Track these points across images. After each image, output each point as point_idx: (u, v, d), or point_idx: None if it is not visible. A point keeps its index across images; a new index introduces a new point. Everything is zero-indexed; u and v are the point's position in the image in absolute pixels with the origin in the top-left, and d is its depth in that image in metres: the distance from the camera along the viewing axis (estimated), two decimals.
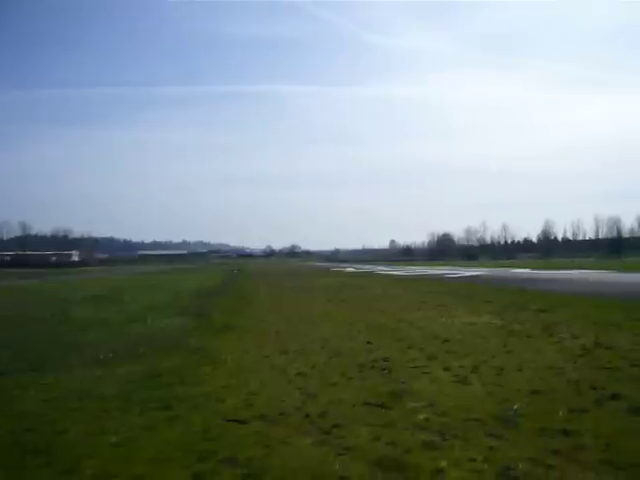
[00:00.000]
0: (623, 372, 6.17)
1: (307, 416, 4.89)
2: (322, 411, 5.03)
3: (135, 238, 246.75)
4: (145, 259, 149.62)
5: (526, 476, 3.47)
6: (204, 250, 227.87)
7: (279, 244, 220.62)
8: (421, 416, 4.76)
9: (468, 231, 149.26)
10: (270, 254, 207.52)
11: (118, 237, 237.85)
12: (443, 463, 3.70)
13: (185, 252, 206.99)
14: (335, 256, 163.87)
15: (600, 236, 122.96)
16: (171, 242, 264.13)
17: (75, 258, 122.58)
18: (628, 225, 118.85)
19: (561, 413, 4.70)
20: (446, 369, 6.60)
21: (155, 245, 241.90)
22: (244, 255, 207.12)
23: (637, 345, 7.72)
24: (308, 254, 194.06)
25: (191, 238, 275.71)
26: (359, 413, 4.96)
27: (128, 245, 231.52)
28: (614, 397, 5.15)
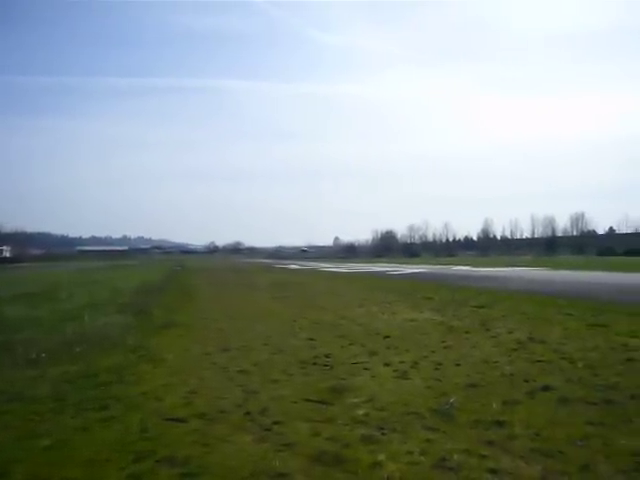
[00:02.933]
0: (554, 365, 6.44)
1: (248, 413, 4.86)
2: (263, 408, 5.00)
3: (72, 233, 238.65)
4: (83, 255, 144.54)
5: (460, 466, 3.57)
6: (146, 246, 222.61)
7: (223, 241, 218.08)
8: (361, 411, 4.82)
9: (411, 229, 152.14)
10: (213, 250, 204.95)
11: (55, 232, 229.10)
12: (381, 456, 3.76)
13: (126, 248, 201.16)
14: (279, 253, 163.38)
15: (536, 235, 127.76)
16: (110, 237, 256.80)
17: (6, 254, 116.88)
18: (562, 225, 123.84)
19: (495, 405, 4.86)
20: (387, 365, 6.71)
21: (94, 240, 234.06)
22: (187, 251, 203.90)
23: (567, 339, 8.08)
24: (252, 251, 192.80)
25: (132, 234, 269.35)
26: (300, 409, 4.97)
27: (65, 240, 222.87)
28: (545, 389, 5.37)
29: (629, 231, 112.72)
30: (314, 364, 6.92)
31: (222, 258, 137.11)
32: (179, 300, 17.08)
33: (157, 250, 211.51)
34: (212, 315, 12.56)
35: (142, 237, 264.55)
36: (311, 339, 8.78)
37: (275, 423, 4.57)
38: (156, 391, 5.74)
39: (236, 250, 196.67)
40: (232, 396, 5.47)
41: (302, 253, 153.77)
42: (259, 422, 4.62)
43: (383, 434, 4.24)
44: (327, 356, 7.36)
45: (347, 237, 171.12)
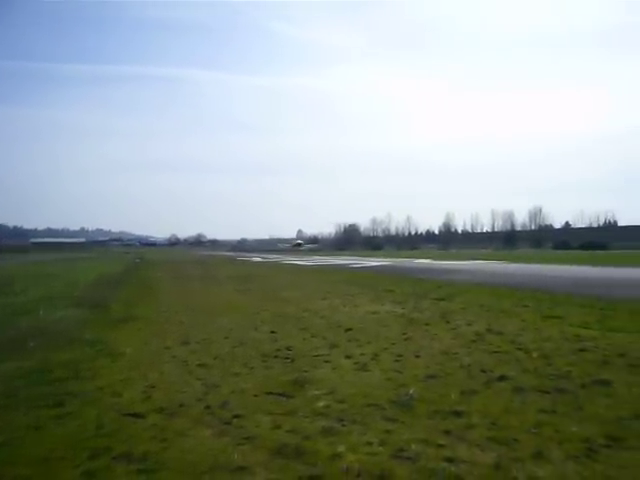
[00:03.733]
0: (510, 355, 6.60)
1: (207, 407, 4.82)
2: (223, 402, 4.97)
3: (27, 225, 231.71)
4: (38, 247, 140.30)
5: (418, 456, 3.63)
6: (104, 238, 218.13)
7: (185, 233, 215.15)
8: (321, 403, 4.84)
9: (374, 222, 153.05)
10: (175, 243, 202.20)
11: (8, 224, 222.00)
12: (341, 448, 3.79)
13: (83, 240, 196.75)
14: (242, 246, 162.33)
15: (496, 229, 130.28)
16: (68, 230, 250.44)
17: None
18: (520, 219, 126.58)
19: (453, 395, 4.95)
20: (348, 357, 6.75)
21: (50, 232, 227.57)
22: (147, 244, 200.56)
23: (523, 330, 8.29)
24: (214, 243, 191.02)
25: (90, 226, 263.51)
26: (261, 402, 4.96)
27: (19, 232, 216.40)
28: (501, 379, 5.50)
29: (584, 225, 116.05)
30: (276, 357, 6.91)
31: (184, 251, 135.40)
32: (138, 293, 16.79)
33: (116, 242, 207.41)
34: (173, 308, 12.40)
35: (101, 229, 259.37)
36: (273, 332, 8.76)
37: (235, 417, 4.55)
38: (114, 386, 5.64)
39: (198, 243, 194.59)
40: (192, 390, 5.42)
41: (265, 245, 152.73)
42: (219, 416, 4.59)
43: (343, 426, 4.27)
44: (289, 349, 7.36)
45: (310, 230, 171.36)
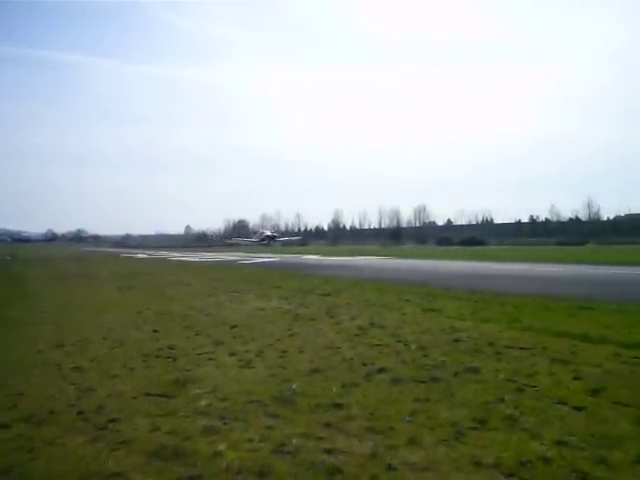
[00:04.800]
0: (390, 348, 6.87)
1: (81, 413, 4.55)
2: (99, 406, 4.73)
3: None
4: None
5: (298, 449, 3.67)
6: None
7: (63, 228, 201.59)
8: (203, 402, 4.76)
9: (263, 218, 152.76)
10: (52, 239, 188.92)
11: None
12: (221, 446, 3.75)
13: None
14: (126, 241, 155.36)
15: (383, 225, 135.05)
16: None
17: None
18: (406, 216, 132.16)
19: (335, 389, 5.07)
20: (232, 354, 6.69)
21: None
22: (20, 240, 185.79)
23: (404, 323, 8.68)
24: (97, 239, 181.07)
25: None
26: (139, 405, 4.77)
27: None
28: (381, 371, 5.72)
29: (464, 223, 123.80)
30: (157, 357, 6.69)
31: (63, 247, 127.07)
32: (9, 295, 15.55)
33: None
34: (48, 309, 11.60)
35: None
36: (156, 331, 8.48)
37: (111, 421, 4.35)
38: None
39: (79, 238, 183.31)
40: (64, 395, 5.10)
41: (151, 241, 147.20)
42: (93, 421, 4.36)
43: (225, 424, 4.22)
44: (171, 348, 7.16)
45: (199, 226, 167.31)
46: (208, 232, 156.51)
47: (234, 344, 7.31)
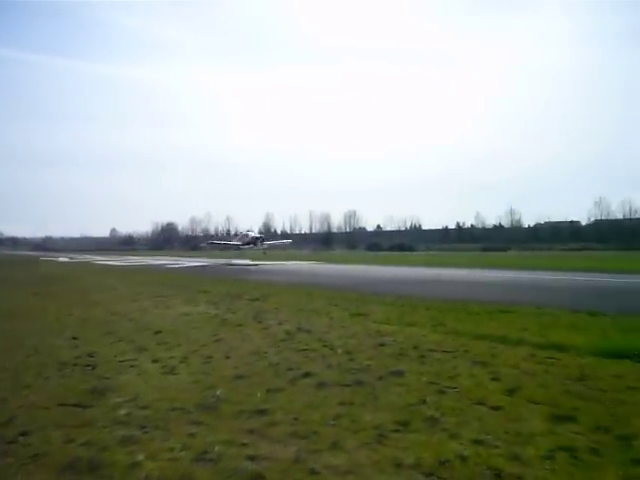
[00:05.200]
0: (317, 352, 6.90)
1: None
2: (9, 418, 4.47)
3: None
4: None
5: (220, 457, 3.61)
6: None
7: None
8: (123, 411, 4.59)
9: (193, 221, 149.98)
10: None
11: None
12: (140, 456, 3.63)
13: None
14: (47, 244, 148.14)
15: (314, 230, 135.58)
16: None
17: None
18: (337, 221, 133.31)
19: (259, 394, 5.03)
20: (155, 361, 6.51)
21: None
22: None
23: (331, 328, 8.74)
24: (14, 242, 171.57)
25: None
26: (53, 415, 4.54)
27: None
28: (306, 375, 5.73)
29: (393, 229, 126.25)
30: (75, 365, 6.41)
31: None
32: None
33: None
34: None
35: None
36: (75, 338, 8.13)
37: (22, 434, 4.11)
38: None
39: None
40: None
41: (75, 244, 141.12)
42: (2, 434, 4.11)
43: (145, 433, 4.09)
44: (91, 355, 6.88)
45: (125, 229, 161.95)
46: (135, 235, 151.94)
47: (158, 350, 7.12)
